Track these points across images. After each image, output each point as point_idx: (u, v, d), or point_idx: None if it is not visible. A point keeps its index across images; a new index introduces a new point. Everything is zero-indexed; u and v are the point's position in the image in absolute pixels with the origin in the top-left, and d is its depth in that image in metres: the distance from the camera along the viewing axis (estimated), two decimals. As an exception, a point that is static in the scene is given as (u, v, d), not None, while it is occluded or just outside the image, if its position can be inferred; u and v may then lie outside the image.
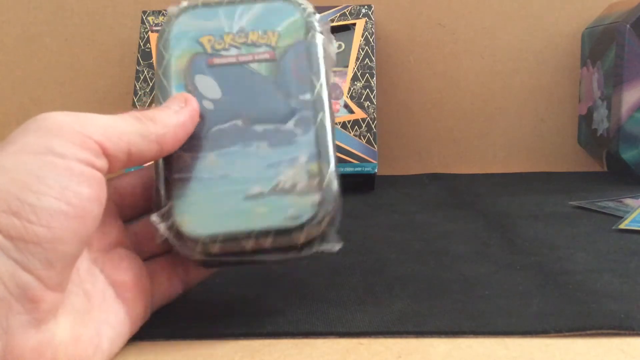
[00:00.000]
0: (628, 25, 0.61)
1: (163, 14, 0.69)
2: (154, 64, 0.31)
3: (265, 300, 0.32)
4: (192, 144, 0.29)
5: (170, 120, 0.28)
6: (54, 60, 0.75)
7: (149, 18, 0.69)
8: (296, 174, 0.29)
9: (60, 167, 0.23)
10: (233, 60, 0.31)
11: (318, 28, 0.32)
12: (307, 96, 0.30)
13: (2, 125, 0.76)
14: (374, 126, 0.63)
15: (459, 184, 0.65)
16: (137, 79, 0.66)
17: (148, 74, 0.66)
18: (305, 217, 0.28)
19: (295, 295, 0.33)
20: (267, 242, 0.27)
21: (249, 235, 0.27)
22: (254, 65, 0.31)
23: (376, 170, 0.61)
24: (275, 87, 0.31)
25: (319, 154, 0.29)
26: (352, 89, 0.64)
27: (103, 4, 0.74)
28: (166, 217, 0.28)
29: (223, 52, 0.31)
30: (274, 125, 0.30)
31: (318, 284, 0.34)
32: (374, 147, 0.62)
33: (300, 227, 0.27)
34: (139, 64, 0.67)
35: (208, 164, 0.29)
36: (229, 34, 0.31)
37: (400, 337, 0.28)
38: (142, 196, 0.31)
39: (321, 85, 0.31)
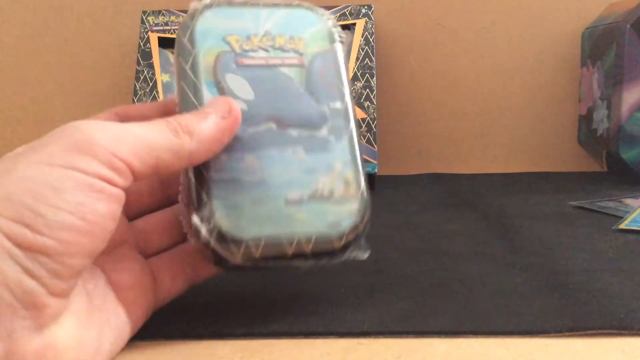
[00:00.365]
0: (628, 25, 0.61)
1: (163, 14, 0.69)
2: (176, 58, 0.30)
3: (265, 300, 0.32)
4: (229, 144, 0.29)
5: (208, 134, 0.27)
6: (54, 60, 0.75)
7: (149, 18, 0.69)
8: (333, 180, 0.29)
9: (80, 182, 0.23)
10: (262, 62, 0.31)
11: (340, 39, 0.33)
12: (338, 104, 0.31)
13: (2, 125, 0.76)
14: (374, 126, 0.63)
15: (459, 184, 0.65)
16: (137, 79, 0.66)
17: (148, 74, 0.66)
18: (345, 225, 0.29)
19: (295, 295, 0.33)
20: (308, 248, 0.28)
21: (291, 240, 0.28)
22: (283, 69, 0.31)
23: (376, 170, 0.61)
24: (306, 93, 0.31)
25: (352, 162, 0.30)
26: (352, 89, 0.64)
27: (103, 4, 0.74)
28: (207, 219, 0.27)
29: (251, 54, 0.31)
30: (308, 131, 0.30)
31: (318, 284, 0.34)
32: (374, 147, 0.62)
33: (339, 233, 0.28)
34: (139, 64, 0.67)
35: (246, 166, 0.29)
36: (255, 35, 0.31)
37: (400, 337, 0.28)
38: (148, 194, 0.31)
39: (349, 94, 0.32)
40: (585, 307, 0.30)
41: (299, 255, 0.28)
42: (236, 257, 0.27)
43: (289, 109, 0.30)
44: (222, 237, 0.27)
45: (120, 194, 0.24)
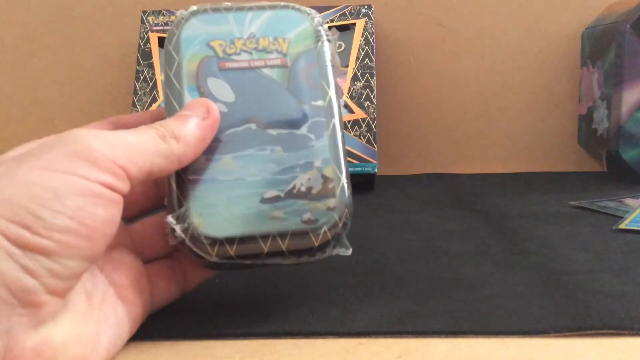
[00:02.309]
0: (628, 25, 0.61)
1: (163, 14, 0.69)
2: (163, 65, 0.31)
3: (265, 300, 0.32)
4: (208, 145, 0.30)
5: (193, 136, 0.28)
6: (54, 60, 0.75)
7: (149, 18, 0.69)
8: (311, 178, 0.29)
9: (80, 187, 0.23)
10: (245, 64, 0.31)
11: (327, 37, 0.32)
12: (319, 102, 0.31)
13: (2, 125, 0.76)
14: (374, 126, 0.63)
15: (459, 184, 0.65)
16: (137, 79, 0.66)
17: (148, 74, 0.66)
18: (321, 221, 0.29)
19: (295, 295, 0.33)
20: (283, 245, 0.28)
21: (265, 237, 0.28)
22: (266, 70, 0.31)
23: (376, 170, 0.61)
24: (287, 93, 0.31)
25: (333, 159, 0.30)
26: (352, 89, 0.64)
27: (103, 4, 0.74)
28: (182, 219, 0.28)
29: (234, 57, 0.31)
30: (288, 130, 0.30)
31: (318, 284, 0.34)
32: (374, 147, 0.62)
33: (316, 230, 0.28)
34: (139, 64, 0.67)
35: (223, 166, 0.30)
36: (239, 39, 0.32)
37: (400, 337, 0.28)
38: (142, 194, 0.31)
39: (332, 91, 0.31)
40: (585, 307, 0.30)
41: (276, 252, 0.28)
42: (211, 255, 0.28)
43: (268, 109, 0.31)
44: (196, 236, 0.28)
45: (119, 199, 0.25)
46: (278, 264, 0.29)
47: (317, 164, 0.30)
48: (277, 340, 0.28)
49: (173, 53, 0.31)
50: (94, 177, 0.24)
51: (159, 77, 0.66)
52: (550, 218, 0.48)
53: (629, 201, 0.53)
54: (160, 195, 0.32)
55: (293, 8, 0.33)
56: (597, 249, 0.40)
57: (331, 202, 0.29)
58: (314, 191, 0.29)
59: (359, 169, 0.60)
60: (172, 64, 0.31)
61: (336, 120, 0.31)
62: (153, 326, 0.29)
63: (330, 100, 0.31)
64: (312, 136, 0.30)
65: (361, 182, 0.62)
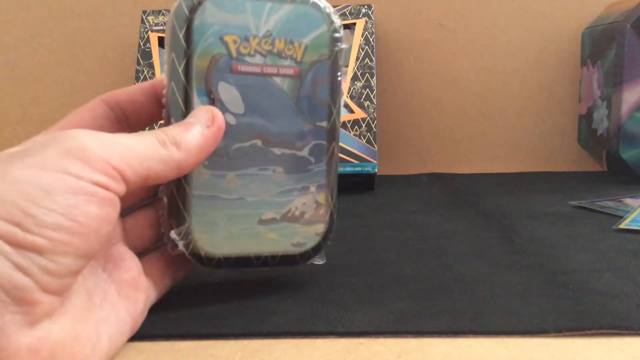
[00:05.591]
0: (628, 25, 0.61)
1: (163, 14, 0.69)
2: (170, 52, 0.30)
3: (265, 300, 0.32)
4: (213, 159, 0.30)
5: (194, 144, 0.28)
6: (54, 60, 0.75)
7: (149, 18, 0.69)
8: (305, 203, 0.32)
9: (71, 186, 0.23)
10: (257, 70, 0.30)
11: (342, 44, 0.32)
12: (324, 123, 0.32)
13: (2, 125, 0.76)
14: (374, 126, 0.63)
15: (459, 184, 0.65)
16: (137, 78, 0.66)
17: (148, 74, 0.66)
18: (309, 245, 0.32)
19: (295, 295, 0.33)
20: (273, 261, 0.32)
21: (258, 256, 0.31)
22: (277, 80, 0.31)
23: (376, 170, 0.61)
24: (295, 109, 0.31)
25: (327, 186, 0.32)
26: (352, 88, 0.64)
27: (103, 4, 0.74)
28: (184, 235, 0.30)
29: (248, 59, 0.30)
30: (291, 151, 0.31)
31: (318, 284, 0.34)
32: (374, 147, 0.62)
33: (303, 251, 0.32)
34: (139, 63, 0.67)
35: (226, 184, 0.30)
36: (255, 37, 0.30)
37: (400, 337, 0.28)
38: (141, 187, 0.31)
39: (337, 111, 0.32)
40: (585, 307, 0.30)
41: (264, 264, 0.32)
42: (207, 267, 0.31)
43: (275, 126, 0.31)
44: (197, 251, 0.30)
45: (114, 198, 0.25)
46: (263, 269, 0.32)
47: (313, 189, 0.32)
48: (277, 340, 0.28)
49: (183, 43, 0.29)
50: (86, 176, 0.24)
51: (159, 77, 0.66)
52: (550, 218, 0.48)
53: (629, 201, 0.53)
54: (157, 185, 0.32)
55: (313, 5, 0.31)
56: (597, 248, 0.40)
57: (320, 227, 0.32)
58: (306, 216, 0.32)
59: (359, 169, 0.60)
60: (181, 56, 0.29)
61: (335, 144, 0.32)
62: (153, 326, 0.29)
63: (333, 122, 0.32)
64: (312, 159, 0.32)
65: (361, 182, 0.62)
